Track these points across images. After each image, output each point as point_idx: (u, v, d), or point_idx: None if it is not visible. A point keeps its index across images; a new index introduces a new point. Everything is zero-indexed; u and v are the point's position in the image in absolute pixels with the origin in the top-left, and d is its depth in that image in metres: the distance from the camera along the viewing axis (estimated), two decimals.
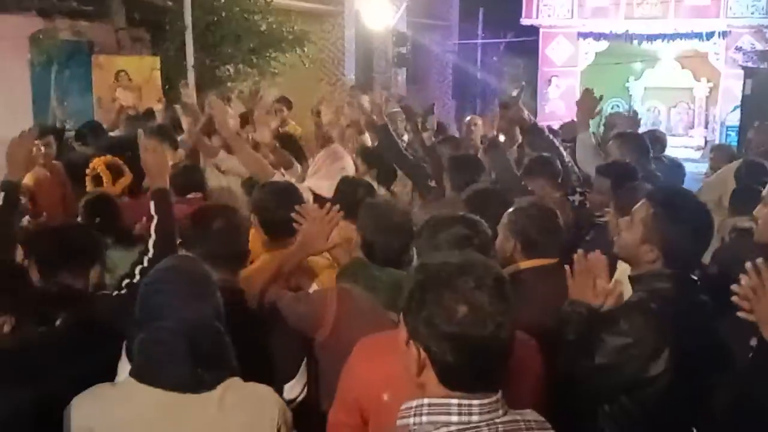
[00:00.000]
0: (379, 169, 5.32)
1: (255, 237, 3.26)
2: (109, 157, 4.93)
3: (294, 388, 2.62)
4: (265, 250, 3.24)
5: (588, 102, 5.13)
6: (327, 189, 4.31)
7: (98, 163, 4.88)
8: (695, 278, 2.61)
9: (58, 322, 2.60)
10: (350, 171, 5.01)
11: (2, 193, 3.16)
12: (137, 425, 2.04)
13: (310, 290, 3.04)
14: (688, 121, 15.70)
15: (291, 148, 5.40)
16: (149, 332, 2.07)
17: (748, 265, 2.20)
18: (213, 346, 2.10)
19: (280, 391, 2.50)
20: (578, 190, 4.76)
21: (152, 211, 2.88)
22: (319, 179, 4.71)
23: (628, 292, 2.65)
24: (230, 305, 2.33)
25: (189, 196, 4.73)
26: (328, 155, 5.03)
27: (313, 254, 3.06)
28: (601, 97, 5.21)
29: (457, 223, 2.59)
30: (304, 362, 2.65)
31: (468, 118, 8.24)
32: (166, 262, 2.31)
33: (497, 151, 4.97)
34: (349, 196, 3.72)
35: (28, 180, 5.52)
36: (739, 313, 2.24)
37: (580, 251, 2.59)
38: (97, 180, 4.77)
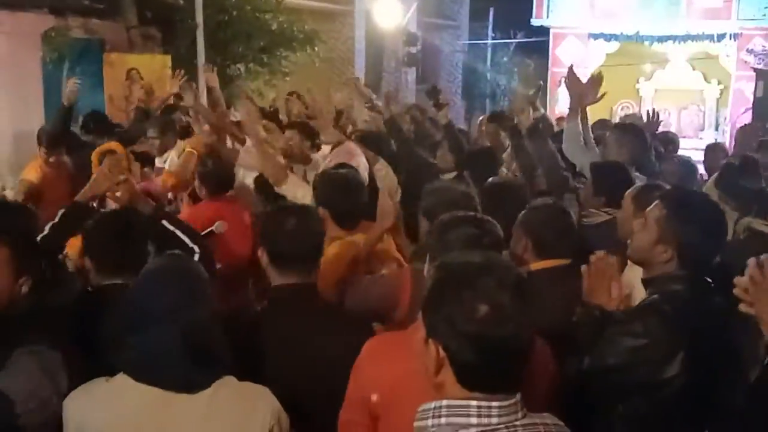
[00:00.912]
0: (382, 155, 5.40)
1: None
2: (105, 145, 4.98)
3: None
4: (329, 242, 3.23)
5: (575, 86, 4.84)
6: None
7: (95, 154, 4.94)
8: (709, 280, 2.60)
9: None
10: (364, 168, 5.00)
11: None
12: (129, 423, 2.06)
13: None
14: (699, 123, 15.62)
15: (310, 136, 5.40)
16: (143, 332, 2.08)
17: (751, 260, 2.18)
18: (207, 345, 2.11)
19: None
20: (577, 185, 4.69)
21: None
22: None
23: (640, 294, 2.64)
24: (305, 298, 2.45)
25: (227, 194, 4.72)
26: (342, 153, 5.04)
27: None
28: (589, 86, 4.95)
29: (466, 222, 2.58)
30: None
31: (480, 118, 8.25)
32: (159, 261, 2.33)
33: (540, 139, 4.79)
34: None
35: (33, 177, 5.58)
36: (740, 306, 2.22)
37: (598, 253, 2.59)
38: None
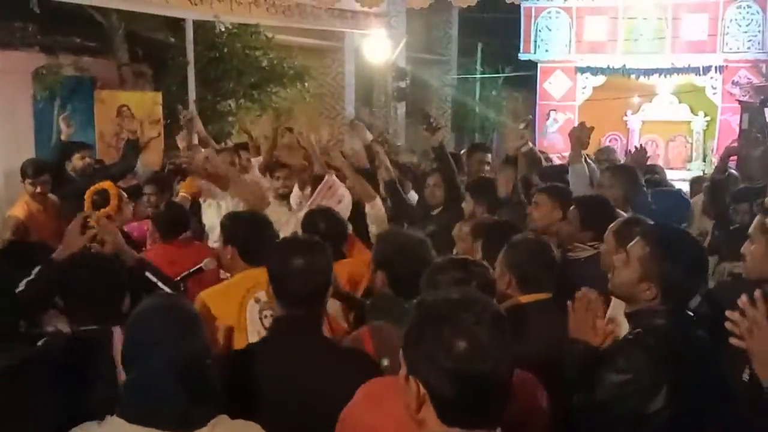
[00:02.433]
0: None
1: None
2: (97, 185, 5.02)
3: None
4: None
5: (580, 134, 5.13)
6: None
7: (87, 194, 4.98)
8: (691, 313, 2.64)
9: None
10: (347, 202, 5.06)
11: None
12: None
13: None
14: (686, 155, 15.77)
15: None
16: (138, 370, 2.08)
17: (743, 298, 2.23)
18: (202, 383, 2.11)
19: None
20: None
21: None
22: None
23: (624, 328, 2.67)
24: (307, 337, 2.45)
25: (180, 237, 4.72)
26: (325, 188, 5.08)
27: None
28: (591, 128, 5.19)
29: (455, 266, 2.62)
30: None
31: (463, 150, 8.32)
32: (151, 301, 2.33)
33: (578, 171, 4.98)
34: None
35: (19, 214, 5.60)
36: (731, 339, 2.25)
37: (583, 289, 2.62)
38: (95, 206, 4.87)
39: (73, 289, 2.89)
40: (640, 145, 6.47)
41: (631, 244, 2.67)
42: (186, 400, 2.04)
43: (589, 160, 5.49)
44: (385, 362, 2.61)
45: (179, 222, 4.77)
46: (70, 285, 2.91)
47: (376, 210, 4.82)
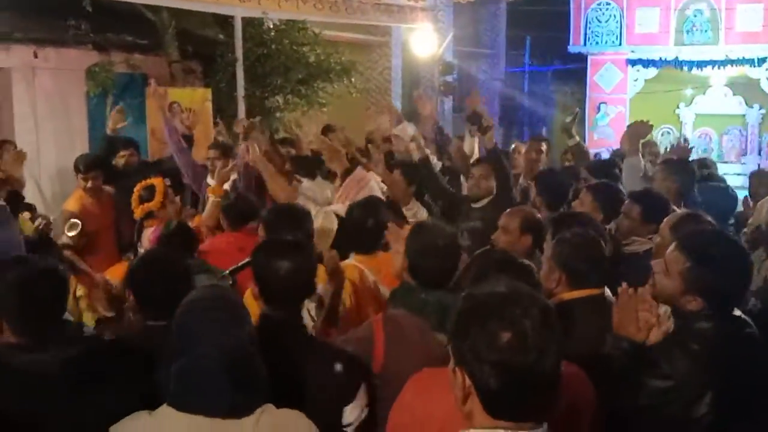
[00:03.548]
0: (418, 186, 5.31)
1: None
2: (146, 181, 5.13)
3: (353, 411, 2.63)
4: None
5: (640, 128, 5.16)
6: None
7: (136, 189, 5.10)
8: (738, 313, 2.58)
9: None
10: (378, 193, 5.08)
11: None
12: None
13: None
14: (741, 148, 15.41)
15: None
16: (186, 359, 2.11)
17: None
18: (249, 372, 2.14)
19: (340, 414, 2.57)
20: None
21: None
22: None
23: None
24: (292, 333, 2.44)
25: (246, 226, 4.82)
26: (354, 180, 5.08)
27: None
28: (651, 126, 5.22)
29: (496, 265, 2.66)
30: (363, 386, 2.66)
31: (513, 145, 8.27)
32: (198, 292, 2.37)
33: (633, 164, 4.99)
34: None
35: (73, 208, 5.72)
36: None
37: (624, 285, 2.58)
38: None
39: (145, 286, 2.92)
40: (684, 138, 6.44)
41: (669, 251, 2.62)
42: (232, 389, 2.08)
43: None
44: None
45: (248, 212, 4.87)
46: (142, 282, 2.94)
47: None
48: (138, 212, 5.08)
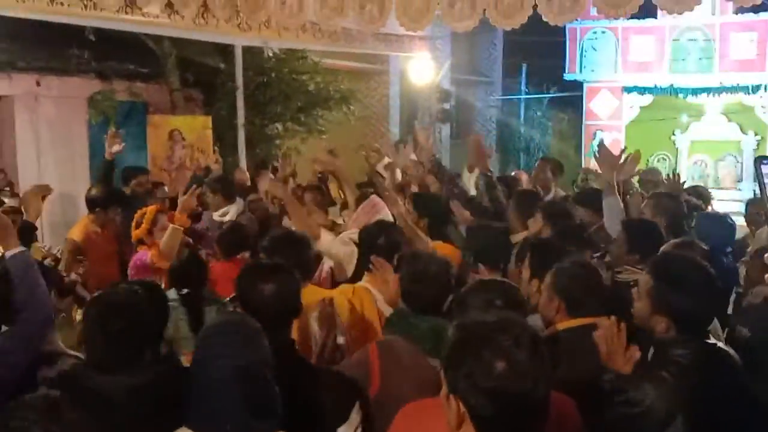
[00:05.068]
0: (430, 218, 5.27)
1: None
2: (144, 209, 5.26)
3: (347, 431, 2.68)
4: None
5: (607, 158, 4.95)
6: None
7: (136, 216, 5.22)
8: (713, 342, 2.63)
9: None
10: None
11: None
12: None
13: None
14: (737, 174, 15.52)
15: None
16: (203, 382, 2.18)
17: None
18: (263, 395, 2.19)
19: None
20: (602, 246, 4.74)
21: None
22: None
23: None
24: (283, 355, 2.46)
25: (237, 256, 4.93)
26: (368, 207, 5.14)
27: None
28: (639, 153, 5.18)
29: (482, 288, 2.74)
30: (356, 405, 2.70)
31: (513, 172, 8.35)
32: (217, 317, 2.44)
33: (611, 205, 4.87)
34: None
35: (78, 237, 5.74)
36: None
37: (612, 318, 2.63)
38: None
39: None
40: (675, 173, 6.42)
41: (640, 276, 2.70)
42: (247, 413, 2.13)
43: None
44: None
45: (239, 242, 4.97)
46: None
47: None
48: (133, 238, 5.21)
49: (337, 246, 4.51)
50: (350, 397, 2.69)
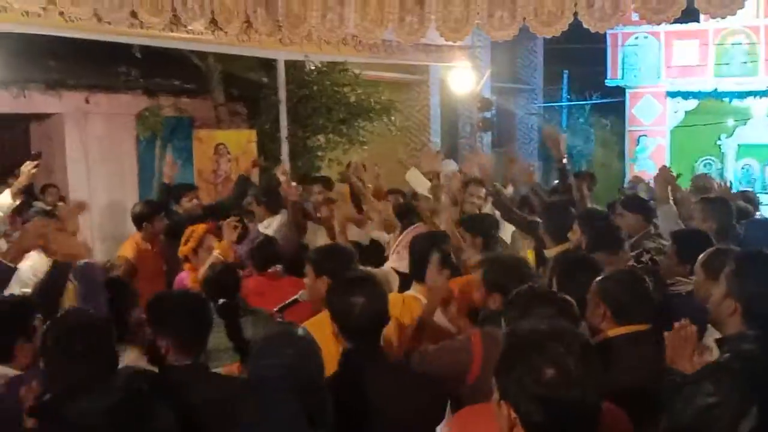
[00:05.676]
0: (483, 236, 5.21)
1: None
2: (192, 227, 5.38)
3: (445, 429, 2.72)
4: None
5: (664, 176, 5.16)
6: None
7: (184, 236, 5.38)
8: None
9: None
10: None
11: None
12: None
13: None
14: None
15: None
16: (262, 394, 2.23)
17: None
18: (319, 405, 2.25)
19: None
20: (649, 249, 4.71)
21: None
22: (401, 259, 4.61)
23: (715, 355, 2.68)
24: (377, 365, 2.59)
25: (269, 270, 4.97)
26: (414, 232, 5.14)
27: None
28: (679, 175, 5.25)
29: (545, 302, 2.75)
30: (448, 404, 2.71)
31: (555, 181, 8.33)
32: (271, 329, 2.50)
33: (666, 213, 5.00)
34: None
35: (129, 254, 5.85)
36: None
37: (682, 321, 2.66)
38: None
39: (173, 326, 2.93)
40: (724, 179, 6.45)
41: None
42: (305, 425, 2.18)
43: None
44: None
45: (271, 256, 5.02)
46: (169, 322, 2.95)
47: None
48: (180, 253, 5.32)
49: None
50: (443, 396, 2.75)
